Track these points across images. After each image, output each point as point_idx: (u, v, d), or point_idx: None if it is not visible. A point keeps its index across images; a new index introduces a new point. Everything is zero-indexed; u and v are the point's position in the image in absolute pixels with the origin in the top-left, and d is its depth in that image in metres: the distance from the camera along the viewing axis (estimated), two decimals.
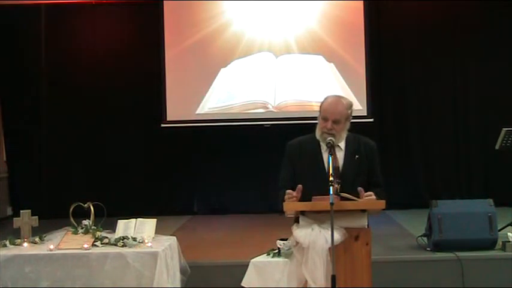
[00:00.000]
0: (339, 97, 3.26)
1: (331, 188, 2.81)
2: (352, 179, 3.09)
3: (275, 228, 5.07)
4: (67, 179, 7.35)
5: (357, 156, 3.18)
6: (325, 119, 3.15)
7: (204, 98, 7.23)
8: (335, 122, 3.13)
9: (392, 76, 7.41)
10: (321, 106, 3.23)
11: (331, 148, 3.05)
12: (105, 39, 7.47)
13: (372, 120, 7.08)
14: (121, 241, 3.76)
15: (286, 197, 3.01)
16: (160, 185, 7.47)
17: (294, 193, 3.00)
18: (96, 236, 3.82)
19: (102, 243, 3.78)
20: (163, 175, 7.49)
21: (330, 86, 7.06)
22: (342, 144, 3.19)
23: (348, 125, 3.21)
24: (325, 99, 3.24)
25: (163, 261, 3.68)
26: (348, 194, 2.97)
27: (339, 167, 3.13)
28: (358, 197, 3.00)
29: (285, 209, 3.00)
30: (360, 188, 3.00)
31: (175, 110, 7.26)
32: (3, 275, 3.64)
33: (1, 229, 5.92)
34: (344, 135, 3.20)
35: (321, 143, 3.18)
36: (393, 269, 4.40)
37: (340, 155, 3.17)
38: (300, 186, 3.01)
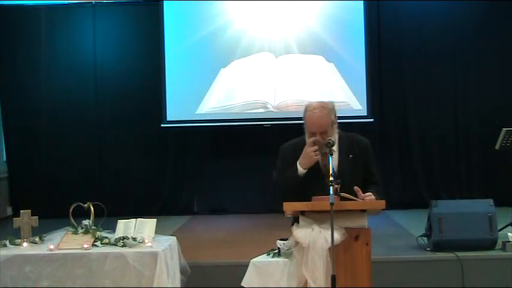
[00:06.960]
0: (321, 107, 3.19)
1: (331, 187, 2.80)
2: (348, 179, 3.09)
3: (275, 228, 5.07)
4: (67, 179, 7.35)
5: (350, 156, 3.20)
6: (312, 134, 3.16)
7: (204, 98, 7.23)
8: (322, 133, 3.14)
9: (392, 76, 7.40)
10: (304, 116, 3.22)
11: (331, 148, 3.03)
12: (105, 39, 7.47)
13: (371, 120, 7.07)
14: (121, 241, 3.76)
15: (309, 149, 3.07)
16: (161, 185, 7.47)
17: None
18: (96, 236, 3.82)
19: (102, 243, 3.77)
20: (163, 175, 7.49)
21: (330, 86, 7.05)
22: (335, 146, 3.18)
23: (336, 127, 3.22)
24: (307, 109, 3.21)
25: (163, 261, 3.67)
26: (346, 194, 2.97)
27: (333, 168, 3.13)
28: (357, 197, 3.00)
29: (284, 209, 3.00)
30: (356, 188, 3.00)
31: (175, 110, 7.25)
32: (3, 275, 3.63)
33: (1, 229, 5.92)
34: (336, 136, 3.22)
35: None
36: (393, 269, 4.40)
37: (334, 156, 3.15)
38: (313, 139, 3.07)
